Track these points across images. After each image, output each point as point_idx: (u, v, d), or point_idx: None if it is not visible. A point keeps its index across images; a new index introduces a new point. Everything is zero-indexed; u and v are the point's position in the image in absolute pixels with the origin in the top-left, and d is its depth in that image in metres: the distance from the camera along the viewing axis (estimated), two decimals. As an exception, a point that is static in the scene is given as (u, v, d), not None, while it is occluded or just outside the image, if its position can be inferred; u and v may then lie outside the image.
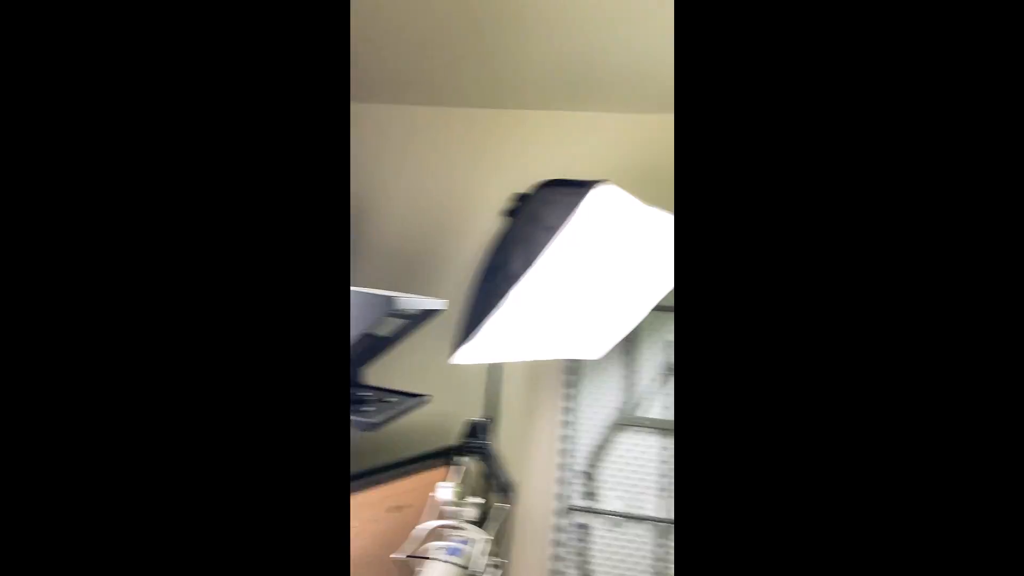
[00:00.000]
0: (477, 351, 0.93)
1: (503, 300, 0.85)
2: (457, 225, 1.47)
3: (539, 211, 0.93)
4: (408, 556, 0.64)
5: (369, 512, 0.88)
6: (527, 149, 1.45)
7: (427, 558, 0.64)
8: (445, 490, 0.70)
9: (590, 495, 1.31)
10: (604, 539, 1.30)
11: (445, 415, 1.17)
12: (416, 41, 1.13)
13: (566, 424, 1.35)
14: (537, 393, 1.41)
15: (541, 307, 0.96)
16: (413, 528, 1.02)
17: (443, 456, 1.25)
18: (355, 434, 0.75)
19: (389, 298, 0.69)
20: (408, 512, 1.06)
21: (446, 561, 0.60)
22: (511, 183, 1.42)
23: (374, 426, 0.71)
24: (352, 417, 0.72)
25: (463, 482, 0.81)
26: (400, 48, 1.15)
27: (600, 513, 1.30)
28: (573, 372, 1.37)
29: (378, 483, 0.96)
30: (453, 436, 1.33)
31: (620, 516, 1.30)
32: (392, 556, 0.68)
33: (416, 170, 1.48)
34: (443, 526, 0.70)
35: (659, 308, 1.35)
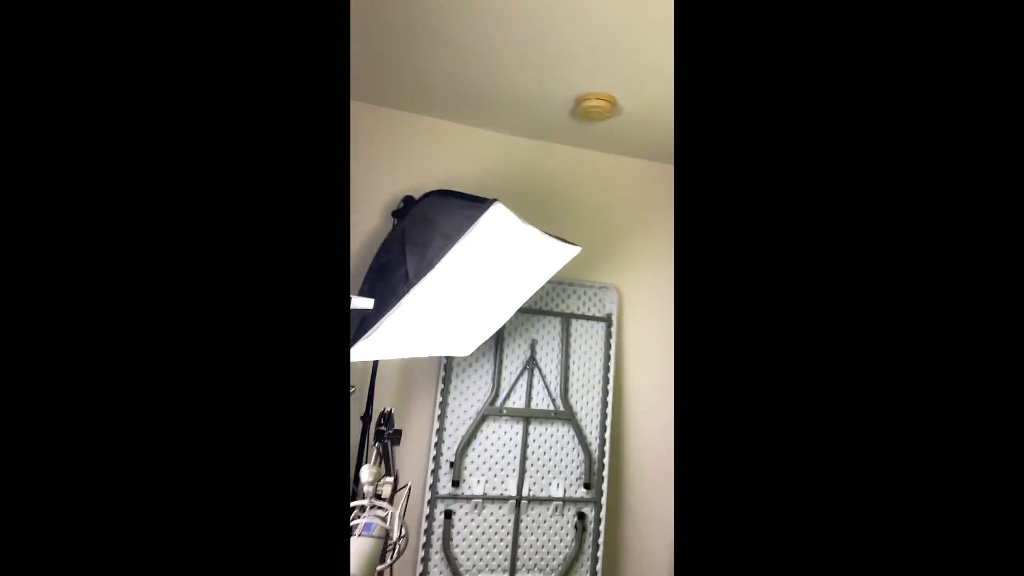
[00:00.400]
0: (370, 348, 0.96)
1: (400, 301, 0.92)
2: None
3: (435, 218, 1.01)
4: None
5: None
6: (419, 152, 1.51)
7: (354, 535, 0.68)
8: (366, 471, 0.73)
9: (456, 483, 1.42)
10: (465, 522, 1.42)
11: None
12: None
13: (439, 417, 1.44)
14: (414, 388, 1.47)
15: (428, 309, 1.04)
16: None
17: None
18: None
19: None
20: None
21: (365, 535, 0.64)
22: (400, 184, 1.45)
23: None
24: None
25: (378, 464, 0.85)
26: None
27: (464, 498, 1.42)
28: (446, 368, 1.46)
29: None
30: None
31: (480, 499, 1.43)
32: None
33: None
34: (360, 506, 0.74)
35: (522, 310, 1.54)
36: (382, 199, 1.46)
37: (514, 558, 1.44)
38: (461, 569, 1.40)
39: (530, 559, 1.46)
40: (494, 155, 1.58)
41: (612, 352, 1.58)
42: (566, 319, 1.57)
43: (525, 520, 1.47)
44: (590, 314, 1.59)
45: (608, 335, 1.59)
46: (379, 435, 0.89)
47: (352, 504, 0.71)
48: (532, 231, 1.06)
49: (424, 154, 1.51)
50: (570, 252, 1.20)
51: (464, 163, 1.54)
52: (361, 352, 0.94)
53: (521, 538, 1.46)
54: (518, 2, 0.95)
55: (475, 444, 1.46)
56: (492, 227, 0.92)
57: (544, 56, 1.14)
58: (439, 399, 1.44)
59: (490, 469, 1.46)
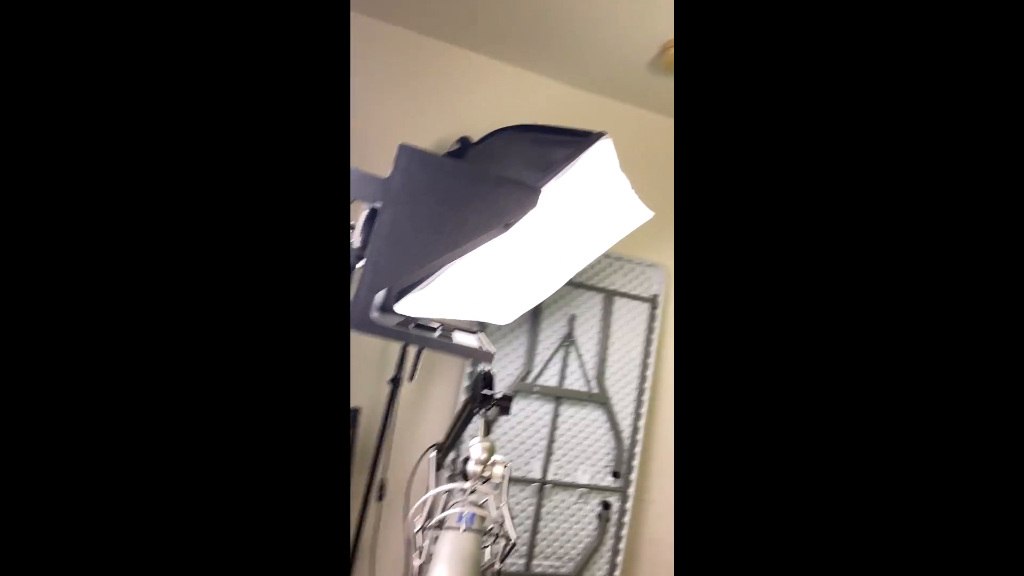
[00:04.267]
0: (419, 304, 0.83)
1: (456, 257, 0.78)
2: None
3: (513, 157, 0.87)
4: (423, 528, 0.52)
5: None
6: (470, 94, 1.35)
7: (446, 528, 0.54)
8: (478, 447, 0.58)
9: (479, 460, 1.31)
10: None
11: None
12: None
13: (466, 388, 1.32)
14: (442, 357, 1.34)
15: (488, 260, 0.91)
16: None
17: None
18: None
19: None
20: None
21: (466, 529, 0.50)
22: (449, 126, 1.30)
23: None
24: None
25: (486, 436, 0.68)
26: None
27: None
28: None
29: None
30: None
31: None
32: (408, 522, 0.56)
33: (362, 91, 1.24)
34: (450, 489, 0.60)
35: (569, 283, 1.41)
36: (428, 139, 1.30)
37: (532, 544, 1.34)
38: (476, 552, 1.30)
39: (548, 546, 1.36)
40: (554, 109, 1.43)
41: (655, 336, 1.47)
42: (609, 296, 1.45)
43: (547, 505, 1.37)
44: (635, 293, 1.47)
45: (652, 317, 1.48)
46: (483, 401, 0.70)
47: (444, 487, 0.57)
48: (625, 181, 0.93)
49: (475, 97, 1.36)
50: (644, 215, 1.07)
51: (518, 113, 1.39)
52: (410, 307, 0.81)
53: (541, 524, 1.36)
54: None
55: (502, 421, 1.34)
56: (592, 166, 0.78)
57: (637, 10, 0.99)
58: (467, 369, 1.32)
59: (515, 449, 1.35)
